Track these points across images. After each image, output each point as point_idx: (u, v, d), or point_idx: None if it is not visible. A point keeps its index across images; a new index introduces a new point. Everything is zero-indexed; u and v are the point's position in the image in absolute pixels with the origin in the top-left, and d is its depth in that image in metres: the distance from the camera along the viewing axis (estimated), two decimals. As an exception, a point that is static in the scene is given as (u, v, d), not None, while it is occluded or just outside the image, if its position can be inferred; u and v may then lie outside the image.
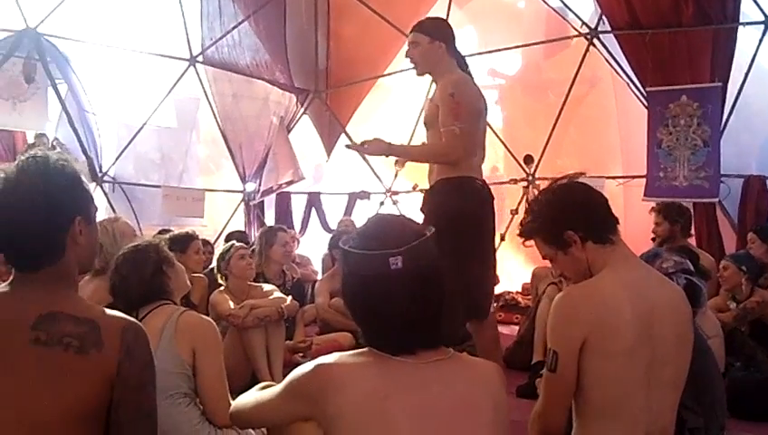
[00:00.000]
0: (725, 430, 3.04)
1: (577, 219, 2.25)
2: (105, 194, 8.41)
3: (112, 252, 3.42)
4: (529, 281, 6.85)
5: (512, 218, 8.43)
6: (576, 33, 8.33)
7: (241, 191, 10.06)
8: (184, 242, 5.03)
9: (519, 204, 8.41)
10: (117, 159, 8.82)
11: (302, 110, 10.48)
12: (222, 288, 4.81)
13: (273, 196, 10.03)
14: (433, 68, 3.96)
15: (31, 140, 8.92)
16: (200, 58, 9.19)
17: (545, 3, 8.76)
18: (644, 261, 2.50)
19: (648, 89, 7.24)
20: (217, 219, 10.13)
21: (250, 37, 9.39)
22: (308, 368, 1.69)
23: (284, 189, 9.98)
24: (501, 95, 10.68)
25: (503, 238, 8.81)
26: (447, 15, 8.68)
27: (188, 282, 3.31)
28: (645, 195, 7.16)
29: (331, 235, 7.94)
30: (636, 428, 2.14)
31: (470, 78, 3.95)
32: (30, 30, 7.42)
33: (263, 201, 10.06)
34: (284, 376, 1.88)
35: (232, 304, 4.56)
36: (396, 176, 9.90)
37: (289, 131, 10.17)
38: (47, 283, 1.72)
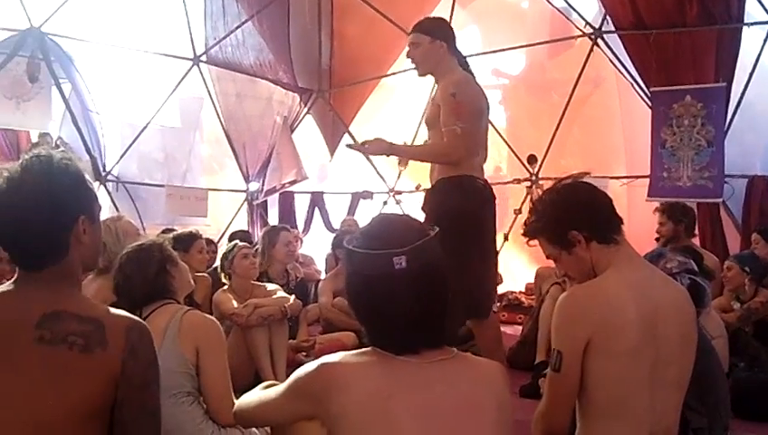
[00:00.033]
0: (729, 430, 3.04)
1: (581, 219, 2.24)
2: (109, 193, 8.41)
3: (116, 251, 3.42)
4: (532, 281, 6.86)
5: (515, 218, 8.44)
6: (580, 33, 8.32)
7: (244, 191, 10.06)
8: (187, 241, 5.03)
9: (522, 204, 8.41)
10: (120, 159, 8.82)
11: (306, 109, 10.48)
12: (225, 287, 4.82)
13: (277, 195, 10.04)
14: (434, 68, 3.95)
15: (35, 139, 8.94)
16: (204, 58, 9.19)
17: (549, 3, 8.76)
18: (648, 261, 2.49)
19: (651, 89, 7.22)
20: (221, 219, 10.13)
21: (253, 37, 9.40)
22: (312, 367, 1.68)
23: (288, 189, 9.99)
24: (504, 95, 10.68)
25: (506, 238, 8.82)
26: (451, 15, 8.68)
27: (192, 281, 3.31)
28: (648, 195, 7.15)
29: (334, 234, 7.94)
30: (640, 428, 2.13)
31: (472, 77, 3.94)
32: (34, 29, 7.43)
33: (266, 201, 10.06)
34: (287, 375, 1.88)
35: (235, 304, 4.57)
36: (399, 175, 9.90)
37: (292, 131, 10.18)
38: (51, 282, 1.71)
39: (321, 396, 1.63)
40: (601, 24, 7.85)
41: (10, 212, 1.69)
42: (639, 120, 7.85)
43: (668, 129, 7.06)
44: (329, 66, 10.33)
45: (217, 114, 9.64)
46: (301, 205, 10.28)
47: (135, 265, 2.98)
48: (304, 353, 5.20)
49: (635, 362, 2.11)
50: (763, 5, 6.76)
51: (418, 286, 1.66)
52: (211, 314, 4.03)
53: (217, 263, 5.24)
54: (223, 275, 4.90)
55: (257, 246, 5.71)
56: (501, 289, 8.05)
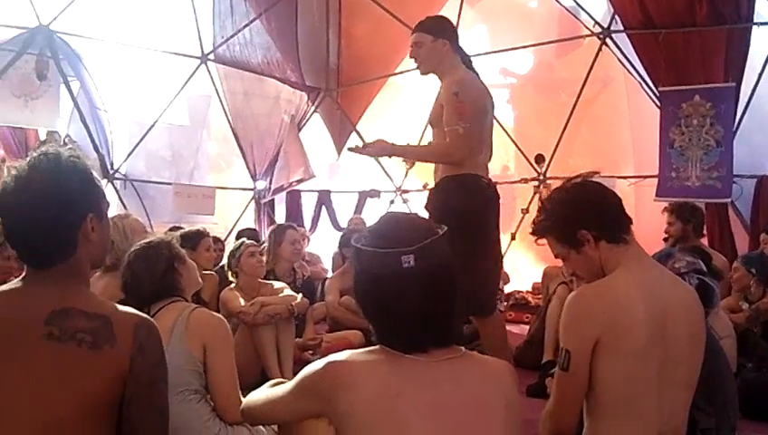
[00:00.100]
0: (737, 430, 3.03)
1: (590, 218, 2.24)
2: (116, 191, 8.44)
3: (123, 248, 3.43)
4: (539, 280, 6.85)
5: (522, 218, 8.43)
6: (588, 32, 8.30)
7: (251, 189, 10.07)
8: (195, 239, 5.04)
9: (530, 203, 8.41)
10: (128, 157, 8.85)
11: (313, 108, 10.49)
12: (232, 285, 4.82)
13: (284, 193, 10.05)
14: (437, 66, 3.94)
15: (43, 137, 8.97)
16: (212, 56, 9.20)
17: (558, 2, 8.75)
18: (656, 261, 2.48)
19: (660, 89, 7.20)
20: (228, 217, 10.15)
21: (261, 35, 9.41)
22: (319, 365, 1.68)
23: (295, 187, 9.99)
24: (512, 94, 10.67)
25: (513, 238, 8.82)
26: (459, 14, 8.70)
27: (200, 279, 3.31)
28: (657, 195, 7.14)
29: (341, 233, 7.95)
30: (648, 428, 2.13)
31: (475, 76, 3.92)
32: (43, 27, 7.45)
33: (273, 199, 10.07)
34: (294, 373, 1.88)
35: (242, 302, 4.57)
36: (406, 174, 9.90)
37: (300, 130, 10.19)
38: (59, 279, 1.72)
39: (328, 394, 1.63)
40: (610, 23, 7.83)
41: (18, 210, 1.70)
42: (648, 119, 7.83)
43: (677, 128, 7.04)
44: (336, 65, 10.33)
45: (225, 113, 9.66)
46: (308, 203, 10.29)
47: (143, 262, 2.98)
48: (311, 352, 5.20)
49: (643, 362, 2.10)
50: (773, 5, 6.75)
51: (426, 285, 1.65)
52: (218, 311, 4.04)
53: (224, 261, 5.24)
54: (230, 273, 4.90)
55: (264, 245, 5.71)
56: (508, 288, 8.07)
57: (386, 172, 10.21)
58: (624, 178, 7.82)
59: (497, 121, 8.31)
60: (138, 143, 8.94)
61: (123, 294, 2.99)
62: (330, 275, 7.54)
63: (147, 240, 3.12)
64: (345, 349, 1.79)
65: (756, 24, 6.76)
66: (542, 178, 8.46)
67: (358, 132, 10.28)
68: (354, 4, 9.64)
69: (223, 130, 10.20)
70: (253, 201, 10.09)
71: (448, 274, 1.71)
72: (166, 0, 9.58)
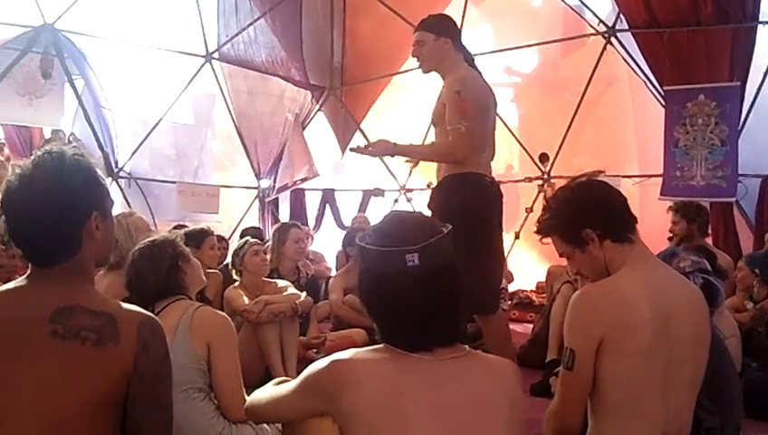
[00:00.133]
0: (741, 430, 3.02)
1: (595, 217, 2.23)
2: (121, 189, 8.46)
3: (127, 247, 3.43)
4: (543, 279, 6.85)
5: (526, 217, 8.44)
6: (593, 31, 8.29)
7: (255, 188, 10.09)
8: (199, 238, 5.05)
9: (534, 202, 8.41)
10: (133, 155, 8.87)
11: (317, 107, 10.49)
12: (236, 284, 4.82)
13: (288, 192, 10.05)
14: (439, 65, 3.92)
15: (48, 135, 8.99)
16: (216, 55, 9.21)
17: (562, 1, 8.72)
18: (661, 260, 2.48)
19: (665, 88, 7.19)
20: (232, 215, 10.16)
21: (266, 34, 9.41)
22: (323, 364, 1.68)
23: (299, 186, 10.00)
24: (517, 93, 10.66)
25: (517, 237, 8.83)
26: (463, 13, 8.69)
27: (204, 277, 3.32)
28: (661, 194, 7.13)
29: (345, 232, 7.95)
30: (652, 428, 2.12)
31: (478, 74, 3.91)
32: (47, 26, 7.46)
33: (277, 197, 10.08)
34: (298, 372, 1.88)
35: (246, 300, 4.57)
36: (410, 173, 9.89)
37: (304, 128, 10.18)
38: (63, 277, 1.72)
39: (332, 393, 1.63)
40: (615, 22, 7.82)
41: (23, 209, 1.70)
42: (652, 118, 7.82)
43: (682, 128, 7.02)
44: (341, 63, 10.33)
45: (229, 111, 9.67)
46: (312, 202, 10.30)
47: (147, 261, 2.98)
48: (315, 350, 5.20)
49: (648, 361, 2.10)
50: (778, 4, 6.73)
51: (431, 284, 1.65)
52: (222, 310, 4.03)
53: (228, 259, 5.24)
54: (234, 271, 4.91)
55: (268, 243, 5.72)
56: (512, 287, 8.07)
57: (390, 171, 10.21)
58: (629, 177, 7.81)
59: (501, 120, 8.33)
60: (142, 142, 8.96)
61: (127, 292, 2.99)
62: (333, 273, 7.54)
63: (151, 238, 3.12)
64: (349, 347, 1.79)
65: (761, 23, 6.74)
66: (546, 177, 8.46)
67: (362, 131, 10.28)
68: (358, 2, 9.64)
69: (227, 129, 10.22)
70: (257, 200, 10.10)
71: (453, 272, 1.71)
72: (170, -1, 9.61)
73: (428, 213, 3.80)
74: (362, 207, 10.12)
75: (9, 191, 1.71)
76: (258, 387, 2.09)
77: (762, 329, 4.80)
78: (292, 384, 1.82)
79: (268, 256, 5.16)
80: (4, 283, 1.81)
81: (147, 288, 2.95)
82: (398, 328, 1.69)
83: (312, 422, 1.90)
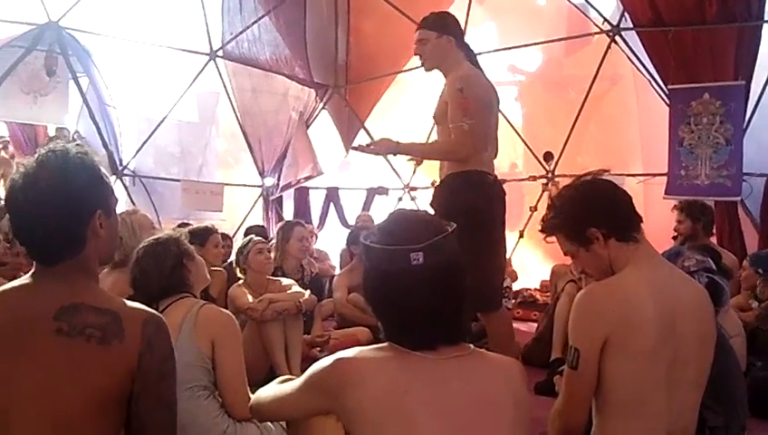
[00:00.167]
0: (746, 429, 3.01)
1: (600, 216, 2.23)
2: (125, 187, 8.46)
3: (131, 245, 3.43)
4: (547, 278, 6.84)
5: (531, 215, 8.44)
6: (598, 30, 8.28)
7: (260, 186, 10.09)
8: (203, 236, 5.06)
9: (538, 201, 8.41)
10: (137, 153, 8.88)
11: (321, 105, 10.49)
12: (241, 282, 4.83)
13: (292, 190, 10.06)
14: (441, 63, 3.91)
15: (52, 133, 9.01)
16: (220, 53, 9.21)
17: (567, -1, 8.73)
18: (666, 259, 2.47)
19: (670, 86, 7.17)
20: (236, 213, 10.17)
21: (270, 32, 9.41)
22: (328, 362, 1.68)
23: (303, 184, 10.00)
24: (521, 91, 10.66)
25: (521, 235, 8.83)
26: (468, 12, 8.69)
27: (208, 275, 3.32)
28: (666, 193, 7.11)
29: (349, 230, 7.94)
30: (657, 427, 2.12)
31: (480, 72, 3.89)
32: (52, 23, 7.47)
33: (281, 196, 10.08)
34: (302, 370, 1.88)
35: (250, 298, 4.57)
36: (414, 171, 9.89)
37: (308, 127, 10.19)
38: (68, 275, 1.72)
39: (336, 391, 1.63)
40: (619, 20, 7.81)
41: (27, 207, 1.70)
42: (656, 117, 7.80)
43: (686, 126, 7.00)
44: (345, 62, 10.34)
45: (233, 109, 9.68)
46: (316, 200, 10.30)
47: (152, 259, 2.99)
48: (319, 348, 5.20)
49: (652, 361, 2.10)
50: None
51: (435, 282, 1.65)
52: (226, 308, 4.04)
53: (233, 257, 5.25)
54: (238, 269, 4.91)
55: (272, 242, 5.72)
56: (516, 286, 8.06)
57: (394, 169, 10.21)
58: (633, 175, 7.80)
59: (505, 119, 8.33)
60: (146, 139, 8.97)
61: (132, 290, 3.00)
62: (337, 271, 7.54)
63: (155, 237, 3.13)
64: (353, 346, 1.79)
65: (767, 21, 6.72)
66: (550, 175, 8.45)
67: (366, 129, 10.29)
68: (363, 0, 9.63)
69: (231, 127, 10.22)
70: (261, 198, 10.11)
71: (457, 271, 1.71)
72: (175, -3, 9.62)
73: (432, 211, 3.79)
74: (366, 206, 10.12)
75: (13, 190, 1.71)
76: (262, 385, 2.10)
77: (766, 328, 4.79)
78: (296, 383, 1.83)
79: (272, 255, 5.17)
80: (9, 280, 1.82)
81: (151, 286, 2.95)
82: (402, 327, 1.69)
83: (317, 420, 1.90)
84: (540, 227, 2.42)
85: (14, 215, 1.74)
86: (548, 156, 8.39)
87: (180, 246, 3.07)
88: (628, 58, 7.85)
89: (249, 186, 10.26)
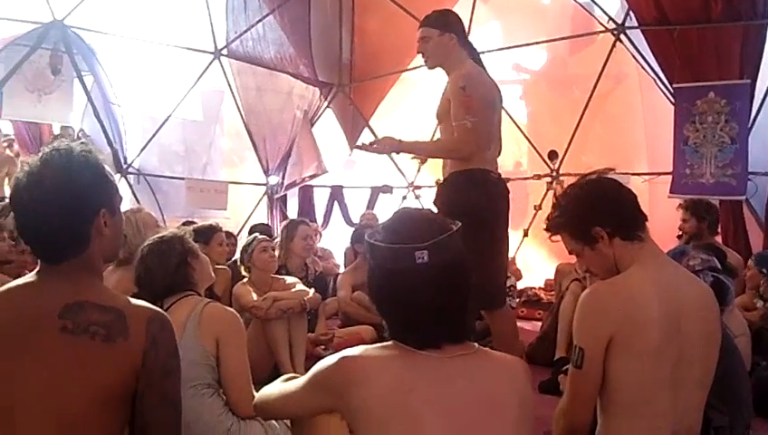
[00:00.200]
0: (751, 429, 3.01)
1: (605, 215, 2.23)
2: (130, 185, 8.49)
3: (136, 243, 3.44)
4: (551, 277, 6.83)
5: (535, 214, 8.44)
6: (602, 28, 8.27)
7: (264, 184, 10.10)
8: (207, 234, 5.06)
9: (543, 200, 8.40)
10: (142, 151, 8.89)
11: (326, 103, 10.50)
12: (245, 280, 4.83)
13: (296, 189, 10.07)
14: (444, 61, 3.90)
15: (57, 131, 9.03)
16: (225, 51, 9.23)
17: (571, -2, 8.71)
18: (671, 258, 2.47)
19: (675, 85, 7.15)
20: (240, 212, 10.18)
21: (274, 31, 9.42)
22: (332, 360, 1.68)
23: (307, 183, 10.00)
24: (525, 90, 10.63)
25: (526, 234, 8.83)
26: (472, 10, 8.69)
27: (212, 273, 3.32)
28: (671, 192, 7.09)
29: (353, 228, 7.95)
30: (662, 426, 2.11)
31: (482, 69, 3.88)
32: (57, 22, 7.49)
33: (285, 194, 10.10)
34: (306, 368, 1.88)
35: (255, 296, 4.58)
36: (419, 170, 9.89)
37: (312, 125, 10.20)
38: (72, 273, 1.72)
39: (341, 389, 1.63)
40: (624, 19, 7.80)
41: (31, 206, 1.70)
42: (661, 116, 7.79)
43: (691, 125, 6.99)
44: (349, 60, 10.35)
45: (238, 108, 9.69)
46: (320, 198, 10.31)
47: (156, 257, 2.99)
48: (323, 347, 5.20)
49: (657, 360, 2.09)
50: (789, 2, 6.69)
51: (440, 281, 1.65)
52: (231, 306, 4.04)
53: (237, 256, 5.25)
54: (242, 267, 4.92)
55: (277, 240, 5.72)
56: (520, 285, 8.06)
57: (398, 168, 10.21)
58: (638, 174, 7.79)
59: (510, 117, 8.34)
60: (151, 138, 8.98)
61: (136, 287, 3.00)
62: (342, 270, 7.55)
63: (160, 235, 3.13)
64: (357, 344, 1.79)
65: (772, 20, 6.71)
66: (554, 174, 8.44)
67: (370, 128, 10.29)
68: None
69: (236, 125, 10.23)
70: (265, 196, 10.11)
71: (462, 270, 1.71)
72: (179, -5, 9.63)
73: (435, 210, 3.79)
74: (370, 204, 10.13)
75: (18, 188, 1.72)
76: (266, 383, 2.10)
77: (772, 328, 4.78)
78: (300, 381, 1.82)
79: (276, 253, 5.17)
80: (14, 278, 1.82)
81: (156, 284, 2.95)
82: (407, 325, 1.68)
83: (321, 419, 1.90)
84: (545, 226, 2.42)
85: (18, 214, 1.74)
86: (552, 155, 8.39)
87: (185, 244, 3.07)
88: (633, 57, 7.84)
89: (253, 184, 10.27)
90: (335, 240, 9.46)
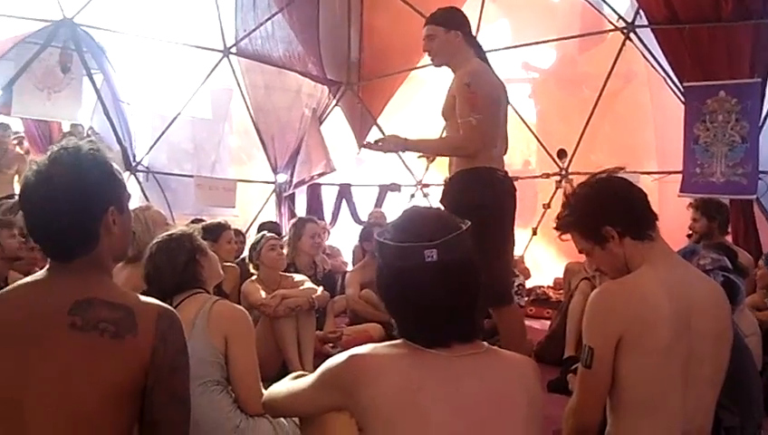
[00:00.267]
0: (762, 429, 2.99)
1: (616, 214, 2.22)
2: (139, 183, 8.51)
3: (145, 240, 3.45)
4: (560, 275, 6.83)
5: (544, 213, 8.42)
6: (612, 27, 8.24)
7: (272, 182, 10.11)
8: (216, 231, 5.07)
9: (551, 198, 8.38)
10: (151, 149, 8.91)
11: (335, 102, 10.50)
12: (254, 278, 4.84)
13: (305, 187, 10.07)
14: (450, 59, 3.90)
15: (67, 129, 9.06)
16: (234, 50, 9.24)
17: (581, -4, 8.68)
18: (681, 258, 2.46)
19: (685, 84, 7.12)
20: (249, 210, 10.19)
21: (283, 29, 9.42)
22: (342, 358, 1.68)
23: (316, 181, 10.01)
24: (534, 89, 10.60)
25: (534, 232, 8.82)
26: (481, 8, 8.68)
27: (221, 271, 3.32)
28: (681, 191, 7.07)
29: (361, 227, 7.95)
30: (672, 426, 2.11)
31: (488, 67, 3.88)
32: (66, 20, 7.51)
33: (293, 192, 10.10)
34: (315, 366, 1.88)
35: (263, 294, 4.58)
36: (427, 168, 9.88)
37: (321, 123, 10.20)
38: (82, 271, 1.73)
39: (350, 388, 1.63)
40: (634, 18, 7.77)
41: (40, 205, 1.71)
42: (671, 115, 7.75)
43: (702, 124, 6.96)
44: (358, 59, 10.34)
45: (246, 106, 9.70)
46: (328, 197, 10.31)
47: (165, 255, 2.99)
48: (331, 344, 5.21)
49: (667, 359, 2.08)
50: (801, 0, 6.65)
51: (449, 279, 1.65)
52: (239, 303, 4.04)
53: (246, 253, 5.25)
54: (251, 265, 4.92)
55: (285, 238, 5.73)
56: (529, 284, 8.04)
57: (406, 166, 10.21)
58: (647, 173, 7.76)
59: (519, 116, 8.33)
60: (160, 136, 9.00)
61: (145, 285, 3.01)
62: (350, 268, 7.55)
63: (169, 232, 3.14)
64: (365, 342, 1.79)
65: (783, 19, 6.68)
66: (563, 173, 8.42)
67: (379, 126, 10.29)
68: (376, -3, 9.64)
69: (244, 124, 10.23)
70: (273, 194, 10.12)
71: (471, 268, 1.70)
72: (188, -7, 9.64)
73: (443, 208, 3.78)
74: (379, 203, 10.14)
75: (27, 187, 1.72)
76: (275, 381, 2.10)
77: (782, 327, 4.76)
78: (309, 379, 1.82)
79: (285, 251, 5.17)
80: (25, 275, 1.83)
81: (164, 282, 2.96)
82: (416, 324, 1.68)
83: (330, 417, 1.90)
84: (555, 225, 2.41)
85: (27, 212, 1.75)
86: (561, 153, 8.37)
87: (193, 241, 3.08)
88: (643, 55, 7.81)
89: (262, 182, 10.28)
90: (343, 238, 9.46)
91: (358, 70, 10.44)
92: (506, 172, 3.86)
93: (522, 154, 10.17)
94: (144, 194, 8.45)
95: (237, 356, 2.85)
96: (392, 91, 10.47)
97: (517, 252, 7.83)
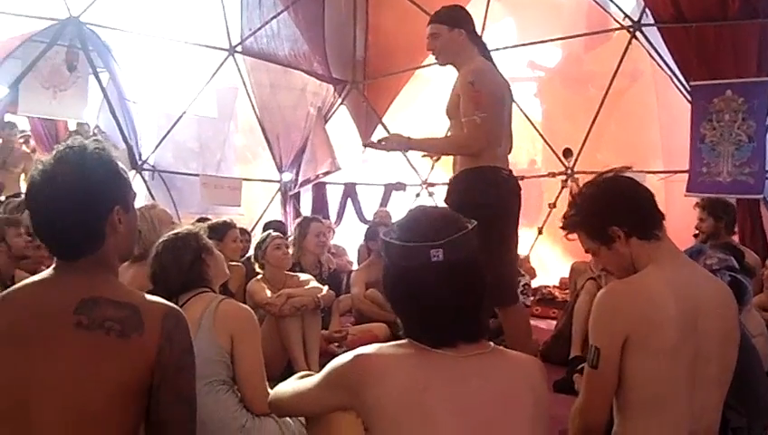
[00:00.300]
0: (769, 429, 2.98)
1: (622, 214, 2.21)
2: (144, 182, 8.52)
3: (151, 239, 3.45)
4: (566, 275, 6.82)
5: (549, 212, 8.41)
6: (618, 25, 8.22)
7: (278, 181, 10.11)
8: (222, 230, 5.06)
9: (557, 198, 8.37)
10: (156, 148, 8.91)
11: (340, 100, 10.50)
12: (259, 277, 4.84)
13: (310, 186, 10.07)
14: (455, 57, 3.89)
15: (73, 127, 9.07)
16: (239, 48, 9.24)
17: (587, -6, 8.67)
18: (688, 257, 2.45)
19: (691, 83, 7.11)
20: (254, 208, 10.19)
21: (289, 28, 9.42)
22: (347, 358, 1.68)
23: (321, 180, 10.01)
24: (540, 88, 10.58)
25: (540, 232, 8.81)
26: (487, 7, 8.68)
27: (227, 270, 3.32)
28: (687, 190, 7.06)
29: (366, 226, 7.94)
30: (679, 426, 2.10)
31: (492, 65, 3.87)
32: (73, 19, 7.52)
33: (299, 191, 10.10)
34: (320, 365, 1.88)
35: (269, 293, 4.58)
36: (432, 168, 9.88)
37: (326, 122, 10.20)
38: (88, 270, 1.73)
39: (356, 387, 1.63)
40: (640, 16, 7.76)
41: (45, 204, 1.71)
42: (677, 114, 7.74)
43: (708, 123, 6.94)
44: (363, 57, 10.35)
45: (252, 104, 9.70)
46: (333, 196, 10.31)
47: (171, 254, 3.00)
48: (337, 344, 5.21)
49: (674, 358, 2.08)
50: (808, -2, 6.63)
51: (455, 279, 1.64)
52: (245, 303, 4.05)
53: (251, 252, 5.25)
54: (256, 264, 4.92)
55: (291, 237, 5.73)
56: (534, 283, 8.03)
57: (412, 165, 10.20)
58: (653, 172, 7.75)
59: (524, 115, 8.32)
60: (166, 134, 9.00)
61: (151, 284, 3.01)
62: (355, 267, 7.55)
63: (174, 231, 3.14)
64: (370, 342, 1.78)
65: (790, 17, 6.66)
66: (569, 172, 8.42)
67: (384, 125, 10.29)
68: (381, -4, 9.64)
69: (250, 122, 10.24)
70: (278, 193, 10.13)
71: (477, 268, 1.70)
72: (194, -8, 9.64)
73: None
74: (384, 202, 10.13)
75: (32, 186, 1.73)
76: (280, 380, 2.10)
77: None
78: (315, 378, 1.82)
79: (290, 250, 5.17)
80: (31, 274, 1.83)
81: (170, 281, 2.96)
82: (422, 323, 1.68)
83: (335, 416, 1.90)
84: (561, 225, 2.40)
85: (33, 211, 1.75)
86: (567, 152, 8.36)
87: (199, 240, 3.08)
88: (649, 54, 7.79)
89: (267, 181, 10.28)
90: (348, 237, 9.46)
91: (363, 68, 10.44)
92: (511, 171, 3.85)
93: (527, 153, 10.15)
94: (150, 193, 8.47)
95: (243, 355, 2.85)
96: (397, 89, 10.47)
97: (523, 251, 7.84)
